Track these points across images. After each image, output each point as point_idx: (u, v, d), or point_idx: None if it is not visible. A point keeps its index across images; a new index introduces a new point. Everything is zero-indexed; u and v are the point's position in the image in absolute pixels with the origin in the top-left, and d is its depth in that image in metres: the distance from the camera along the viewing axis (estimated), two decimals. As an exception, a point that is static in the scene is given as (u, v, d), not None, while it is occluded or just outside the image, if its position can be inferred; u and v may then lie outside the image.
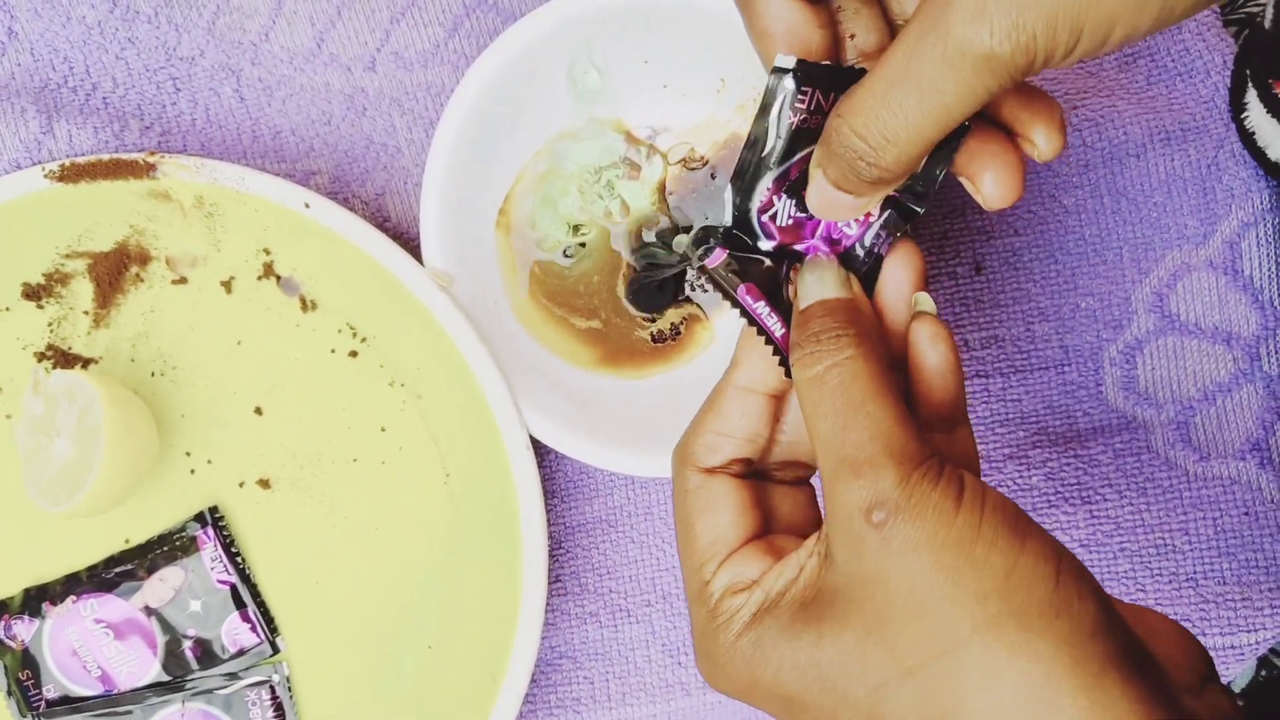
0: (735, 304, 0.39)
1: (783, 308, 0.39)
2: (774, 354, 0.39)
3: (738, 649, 0.36)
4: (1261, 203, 0.53)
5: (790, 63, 0.37)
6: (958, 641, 0.32)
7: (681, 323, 0.54)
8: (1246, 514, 0.53)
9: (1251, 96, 0.51)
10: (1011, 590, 0.32)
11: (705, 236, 0.39)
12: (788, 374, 0.38)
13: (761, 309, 0.38)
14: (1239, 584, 0.53)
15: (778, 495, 0.40)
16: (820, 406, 0.35)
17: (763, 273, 0.39)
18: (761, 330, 0.38)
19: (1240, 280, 0.53)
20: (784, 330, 0.38)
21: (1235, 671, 0.54)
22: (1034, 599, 0.32)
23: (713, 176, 0.54)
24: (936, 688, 0.32)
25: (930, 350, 0.38)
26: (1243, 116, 0.52)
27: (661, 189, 0.54)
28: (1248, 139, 0.52)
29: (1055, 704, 0.31)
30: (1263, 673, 0.55)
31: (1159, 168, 0.54)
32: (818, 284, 0.38)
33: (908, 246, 0.39)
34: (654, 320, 0.54)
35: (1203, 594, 0.53)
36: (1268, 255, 0.53)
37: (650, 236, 0.54)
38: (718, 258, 0.39)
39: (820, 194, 0.37)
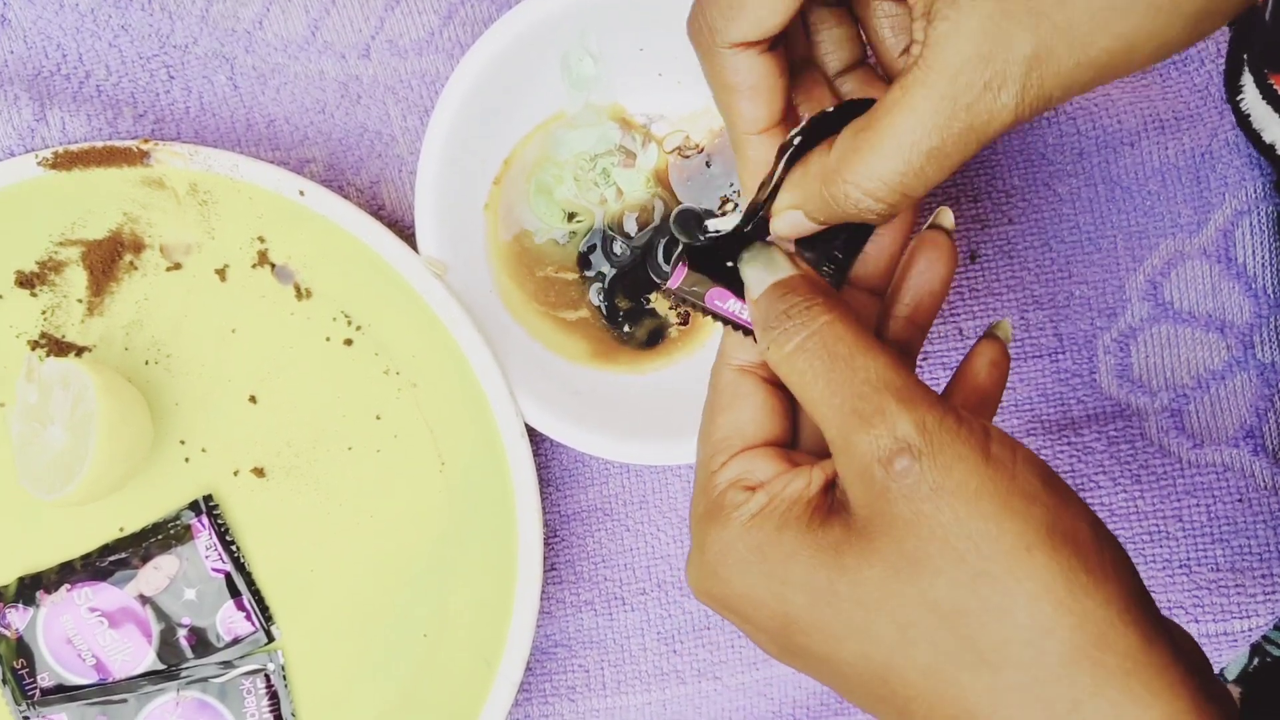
0: (707, 314, 0.38)
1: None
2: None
3: (734, 548, 0.35)
4: (1255, 191, 0.53)
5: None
6: (1003, 591, 0.31)
7: (668, 326, 0.54)
8: (1240, 500, 0.54)
9: (1247, 80, 0.52)
10: (1056, 547, 0.31)
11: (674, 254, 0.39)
12: None
13: (734, 307, 0.38)
14: (1232, 570, 0.53)
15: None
16: (808, 375, 0.34)
17: (731, 271, 0.39)
18: (739, 327, 0.38)
19: (1234, 268, 0.53)
20: None
21: (1228, 658, 0.54)
22: (1081, 555, 0.31)
23: (708, 164, 0.54)
24: (976, 634, 0.32)
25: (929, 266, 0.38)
26: (1238, 99, 0.52)
27: (657, 176, 0.54)
28: (1243, 121, 0.52)
29: (1105, 663, 0.31)
30: (1255, 660, 0.55)
31: (1153, 156, 0.54)
32: (765, 270, 0.37)
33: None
34: (636, 327, 0.54)
35: (1196, 580, 0.54)
36: (1261, 243, 0.53)
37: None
38: (678, 277, 0.39)
39: (787, 227, 0.37)
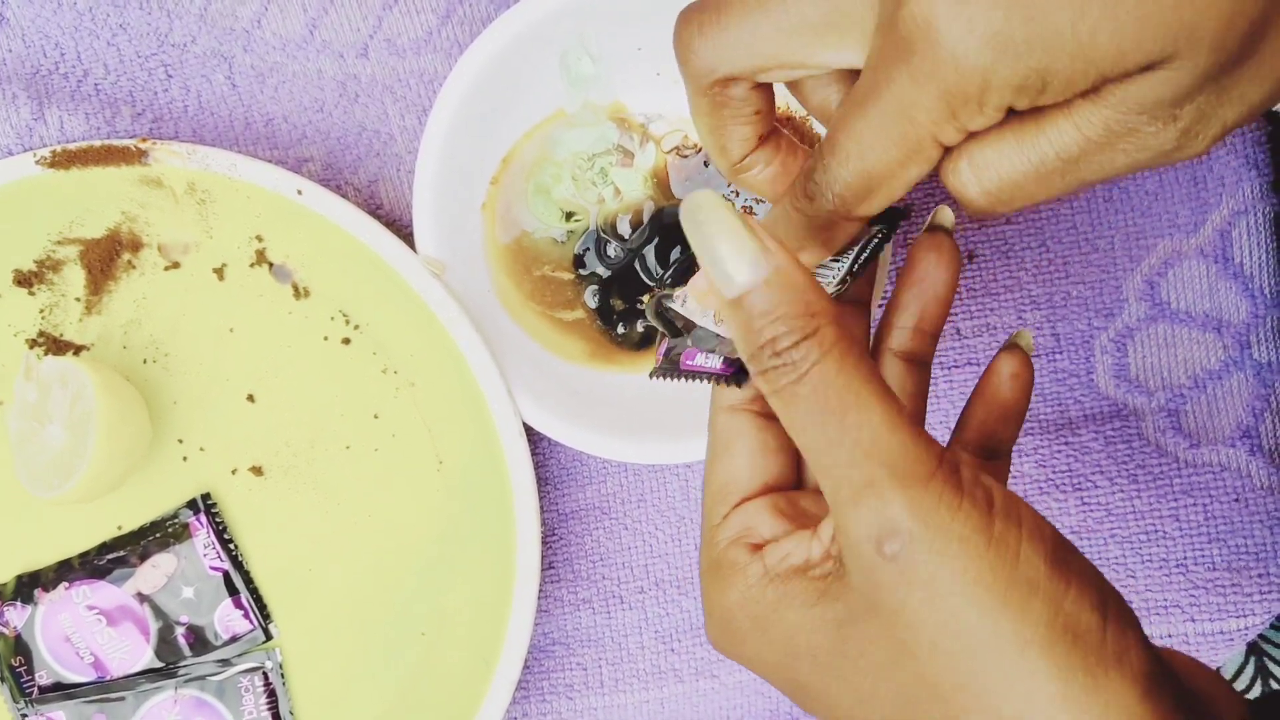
0: (690, 378, 0.36)
1: (719, 339, 0.37)
2: (727, 385, 0.36)
3: (737, 617, 0.34)
4: (1252, 191, 0.53)
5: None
6: (995, 692, 0.29)
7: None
8: (1236, 500, 0.54)
9: None
10: (1054, 643, 0.29)
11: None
12: (744, 384, 0.36)
13: (701, 360, 0.36)
14: (1229, 570, 0.53)
15: None
16: (798, 423, 0.31)
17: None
18: (716, 377, 0.36)
19: (1231, 268, 0.54)
20: (721, 362, 0.36)
21: (1224, 657, 0.54)
22: (1081, 651, 0.29)
23: (705, 164, 0.54)
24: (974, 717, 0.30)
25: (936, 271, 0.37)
26: None
27: (655, 176, 0.54)
28: None
29: None
30: (1259, 681, 0.55)
31: (1150, 156, 0.54)
32: (726, 262, 0.31)
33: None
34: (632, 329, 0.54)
35: (1192, 580, 0.54)
36: (1258, 244, 0.53)
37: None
38: (659, 356, 0.38)
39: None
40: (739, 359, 0.35)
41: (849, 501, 0.30)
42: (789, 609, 0.33)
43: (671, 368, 0.37)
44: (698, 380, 0.36)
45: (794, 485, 0.37)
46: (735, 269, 0.31)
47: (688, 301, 0.36)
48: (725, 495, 0.36)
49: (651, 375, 0.37)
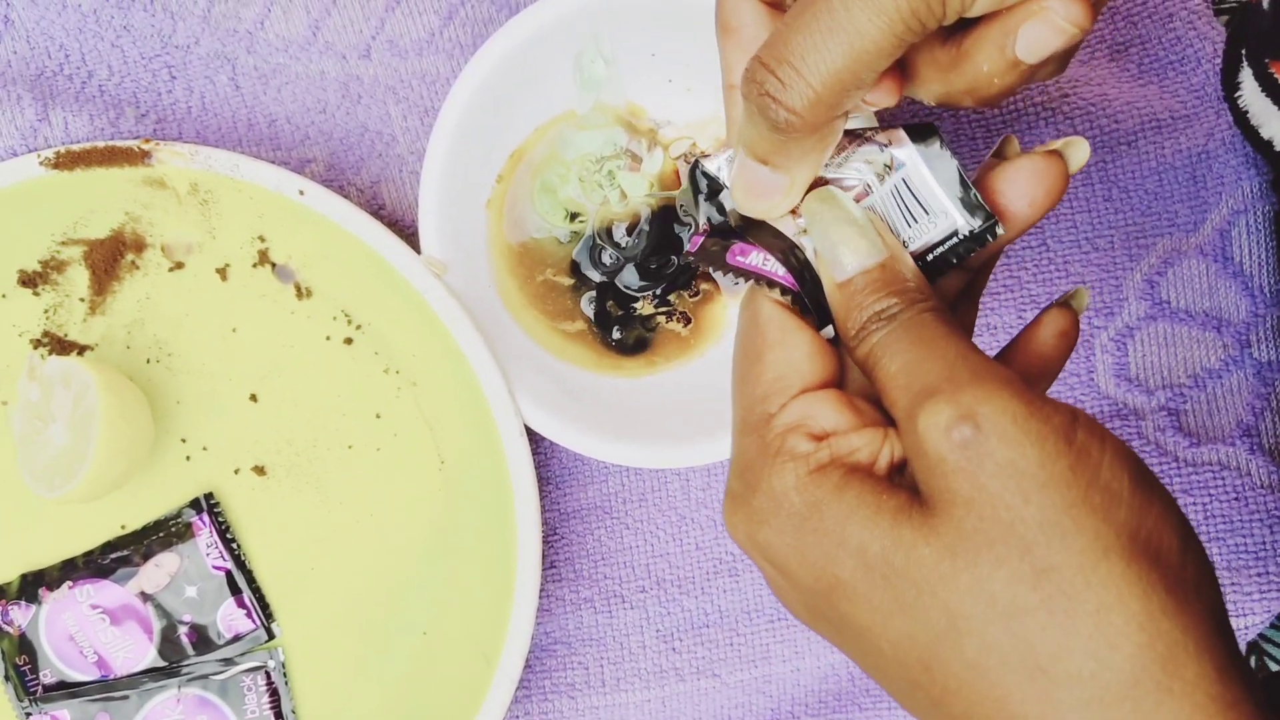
0: (729, 272, 0.36)
1: (782, 242, 0.36)
2: (783, 294, 0.35)
3: (789, 499, 0.32)
4: (1252, 190, 0.53)
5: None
6: (1070, 595, 0.28)
7: (656, 325, 0.54)
8: (1236, 499, 0.54)
9: (1246, 76, 0.52)
10: (1136, 556, 0.28)
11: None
12: (806, 314, 0.35)
13: (756, 260, 0.36)
14: (1228, 569, 0.53)
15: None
16: (885, 357, 0.32)
17: (753, 223, 0.36)
18: (765, 280, 0.35)
19: (1230, 267, 0.54)
20: (786, 272, 0.35)
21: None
22: (1161, 571, 0.28)
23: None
24: (1034, 637, 0.29)
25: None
26: (1236, 95, 0.52)
27: (661, 182, 0.54)
28: (1240, 118, 0.53)
29: (1172, 690, 0.28)
30: (1253, 662, 0.55)
31: (1150, 156, 0.54)
32: (845, 249, 0.34)
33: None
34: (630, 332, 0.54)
35: (1193, 579, 0.54)
36: (1258, 242, 0.53)
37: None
38: (696, 243, 0.37)
39: (740, 175, 0.35)
40: (803, 269, 0.35)
41: (924, 398, 0.30)
42: (850, 492, 0.31)
43: (715, 257, 0.36)
44: (741, 279, 0.36)
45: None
46: (855, 249, 0.34)
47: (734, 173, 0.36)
48: (782, 385, 0.34)
49: (690, 260, 0.37)
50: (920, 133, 0.36)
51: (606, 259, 0.53)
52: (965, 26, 0.34)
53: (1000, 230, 0.35)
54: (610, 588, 0.56)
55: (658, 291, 0.53)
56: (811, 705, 0.56)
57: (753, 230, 0.37)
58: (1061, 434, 0.29)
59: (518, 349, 0.53)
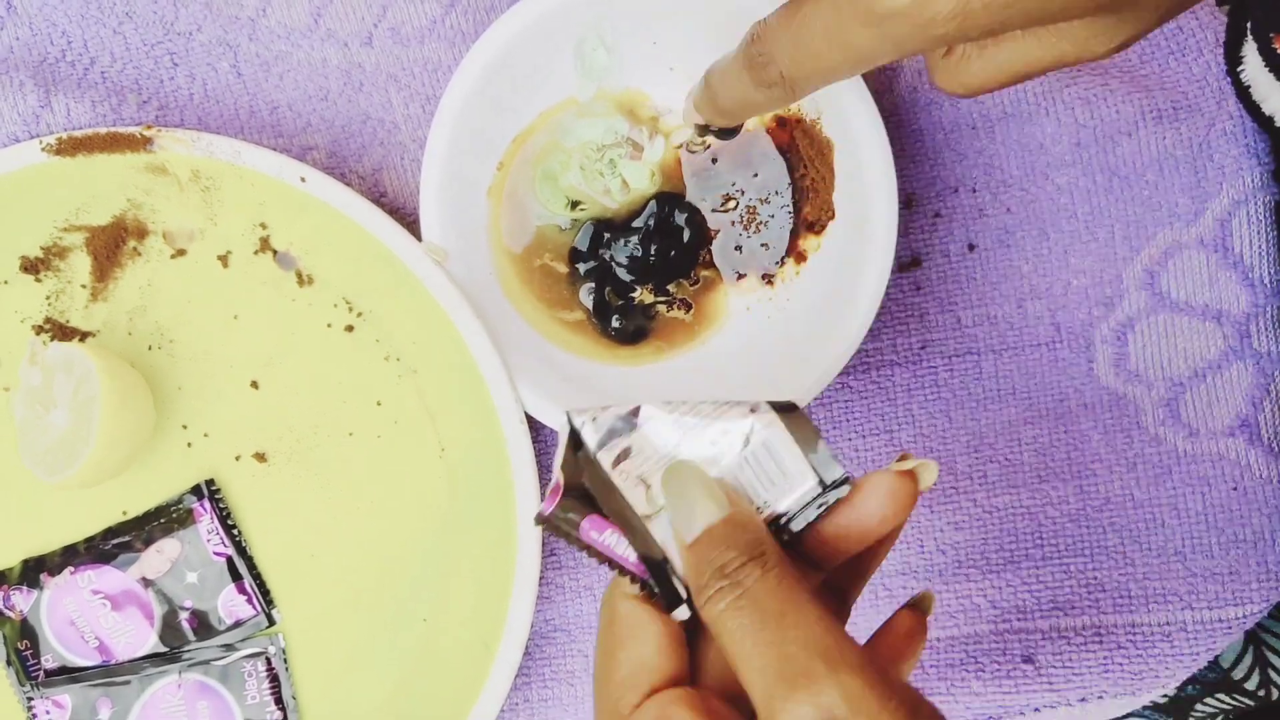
0: (583, 549, 0.37)
1: (635, 520, 0.37)
2: (633, 582, 0.37)
3: None
4: (1252, 181, 0.53)
5: None
6: None
7: (655, 318, 0.55)
8: (1235, 490, 0.54)
9: (1249, 49, 0.51)
10: None
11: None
12: (653, 598, 0.37)
13: (611, 540, 0.37)
14: (1227, 559, 0.54)
15: (714, 648, 0.37)
16: (737, 633, 0.33)
17: (607, 486, 0.38)
18: (618, 568, 0.37)
19: (1230, 258, 0.54)
20: (637, 559, 0.37)
21: (1223, 645, 0.54)
22: None
23: (714, 160, 0.54)
24: None
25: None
26: (1239, 69, 0.52)
27: (662, 171, 0.54)
28: (1243, 92, 0.52)
29: None
30: (1270, 673, 0.55)
31: (1151, 146, 0.54)
32: (695, 512, 0.36)
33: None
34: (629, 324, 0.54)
35: (1191, 568, 0.54)
36: (1258, 233, 0.53)
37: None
38: (552, 501, 0.38)
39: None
40: (655, 560, 0.37)
41: (783, 696, 0.31)
42: None
43: (566, 530, 0.38)
44: (589, 556, 0.37)
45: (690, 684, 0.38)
46: (703, 510, 0.35)
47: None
48: (635, 682, 0.35)
49: (538, 523, 0.38)
50: (783, 407, 0.38)
51: (606, 248, 0.54)
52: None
53: (849, 484, 0.37)
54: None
55: (661, 289, 0.54)
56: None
57: (608, 500, 0.38)
58: None
59: (518, 336, 0.53)
